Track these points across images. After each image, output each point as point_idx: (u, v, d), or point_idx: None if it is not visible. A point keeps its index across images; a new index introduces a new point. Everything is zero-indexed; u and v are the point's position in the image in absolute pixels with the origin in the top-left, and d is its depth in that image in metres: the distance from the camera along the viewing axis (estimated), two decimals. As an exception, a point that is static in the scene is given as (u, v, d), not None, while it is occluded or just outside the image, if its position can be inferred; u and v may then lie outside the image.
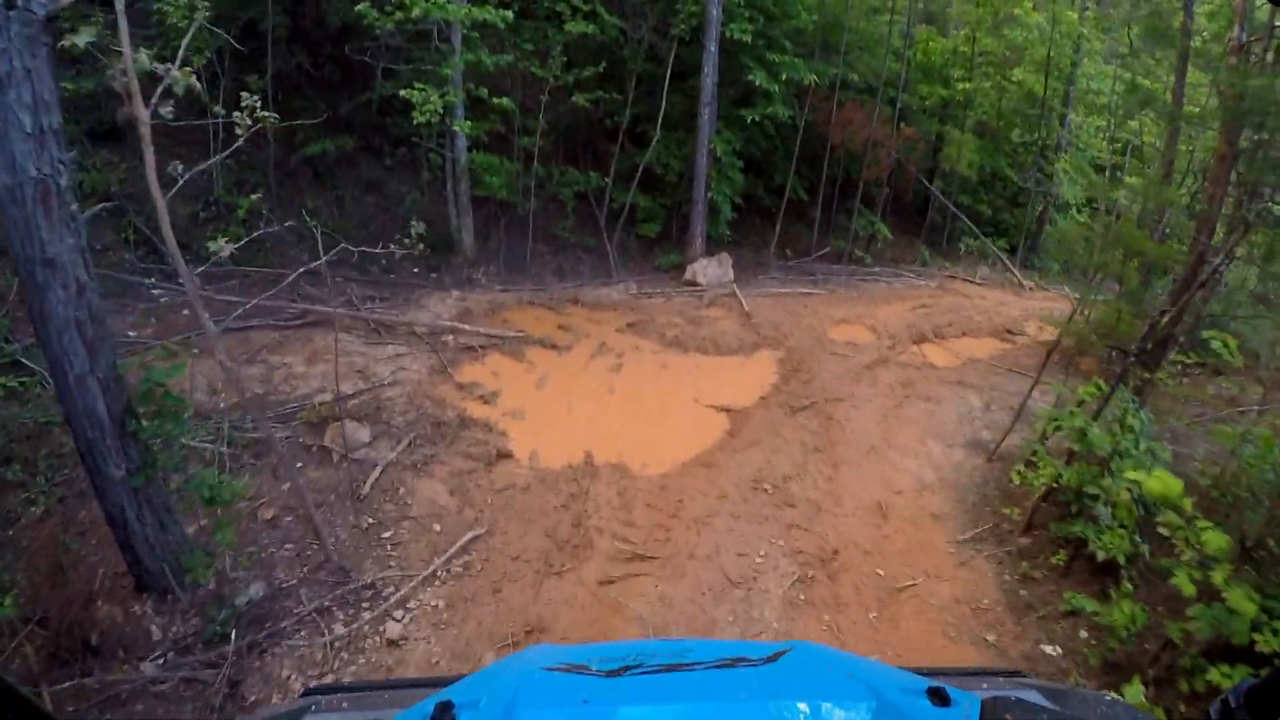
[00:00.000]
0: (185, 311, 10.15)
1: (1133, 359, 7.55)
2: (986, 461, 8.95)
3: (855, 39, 18.56)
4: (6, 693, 0.98)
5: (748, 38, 14.77)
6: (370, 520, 7.09)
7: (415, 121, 11.59)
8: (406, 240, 7.06)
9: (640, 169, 15.92)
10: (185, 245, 6.26)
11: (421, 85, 11.46)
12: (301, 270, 7.57)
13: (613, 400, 10.45)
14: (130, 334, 9.64)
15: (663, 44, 15.67)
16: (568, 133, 16.67)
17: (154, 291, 10.91)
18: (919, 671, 1.53)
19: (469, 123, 12.86)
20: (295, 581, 6.17)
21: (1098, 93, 22.08)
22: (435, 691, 1.37)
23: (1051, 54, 20.36)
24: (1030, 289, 20.61)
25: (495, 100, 12.98)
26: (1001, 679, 1.80)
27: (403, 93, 11.39)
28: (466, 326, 12.05)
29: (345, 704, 1.60)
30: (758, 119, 15.39)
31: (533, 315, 13.33)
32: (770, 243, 17.63)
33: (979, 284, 19.76)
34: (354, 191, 14.63)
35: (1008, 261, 21.13)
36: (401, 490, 7.58)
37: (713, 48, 14.89)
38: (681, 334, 12.74)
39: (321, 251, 6.73)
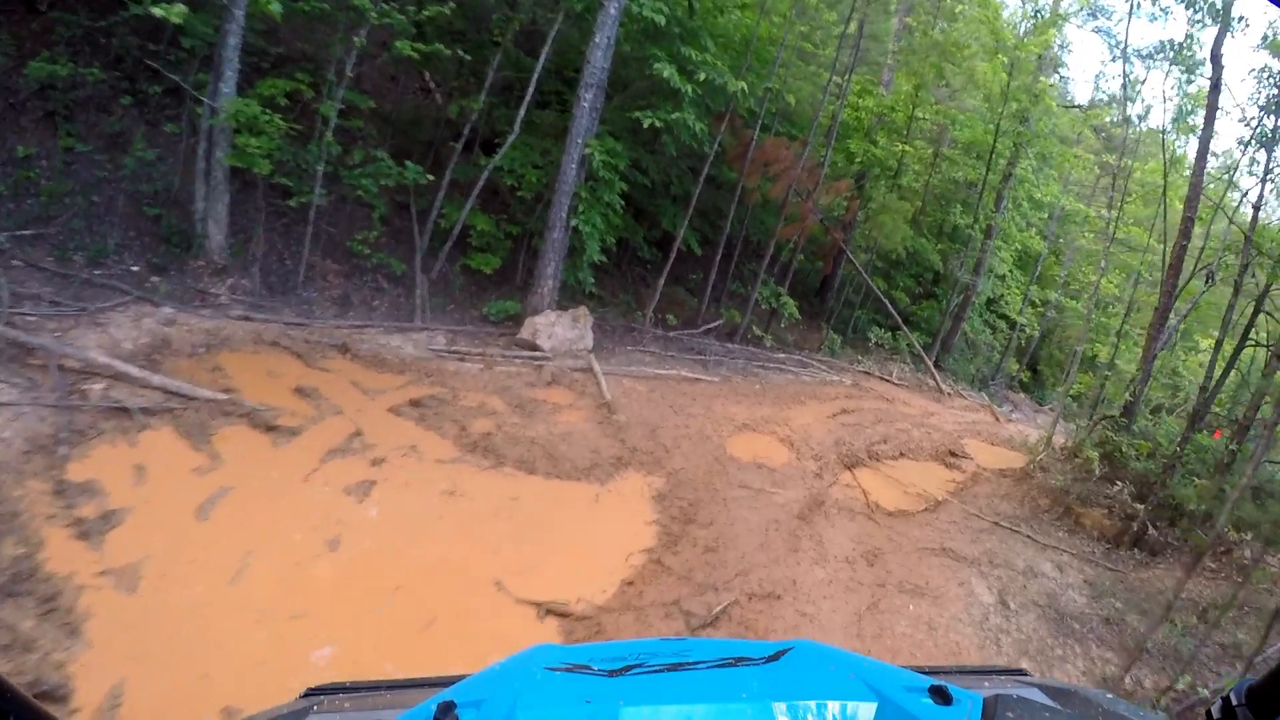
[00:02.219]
0: None
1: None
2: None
3: (795, 63, 14.72)
4: (6, 693, 0.96)
5: (660, 19, 10.44)
6: None
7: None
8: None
9: (484, 178, 11.08)
10: None
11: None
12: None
13: (330, 569, 5.37)
14: None
15: (547, 18, 11.11)
16: (405, 125, 12.27)
17: None
18: (921, 670, 1.52)
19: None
20: None
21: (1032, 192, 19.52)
22: (437, 691, 1.34)
23: (995, 141, 17.46)
24: (949, 394, 17.23)
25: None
26: (1004, 678, 1.81)
27: (156, 10, 7.59)
28: (135, 371, 7.07)
29: (347, 704, 1.57)
30: (659, 124, 10.94)
31: (266, 365, 8.30)
32: (647, 305, 13.08)
33: (896, 384, 16.08)
34: (95, 143, 9.56)
35: (928, 362, 17.62)
36: None
37: (614, 8, 10.41)
38: (498, 431, 7.94)
39: None
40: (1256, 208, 10.29)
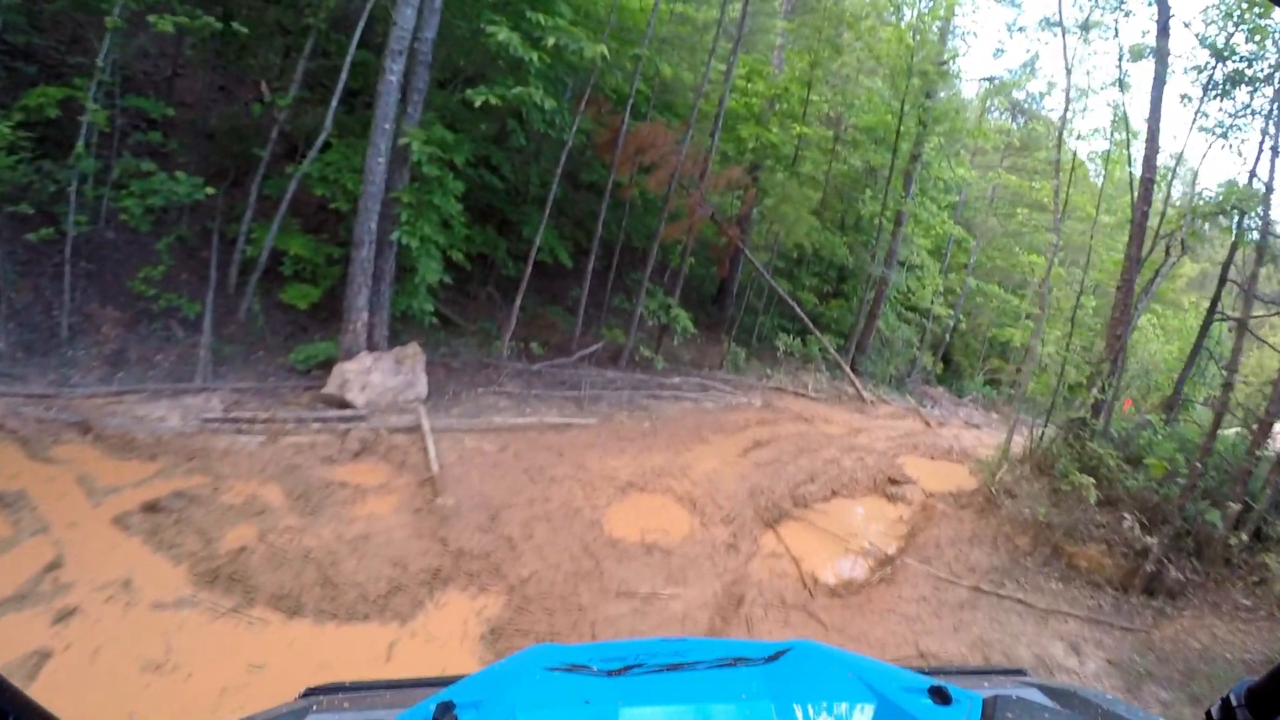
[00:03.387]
0: None
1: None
2: None
3: (674, 37, 12.51)
4: (6, 692, 0.96)
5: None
6: None
7: None
8: None
9: (292, 189, 8.46)
10: None
11: None
12: None
13: None
14: None
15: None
16: (226, 138, 10.28)
17: None
18: (921, 670, 1.49)
19: None
20: None
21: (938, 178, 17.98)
22: (436, 691, 1.32)
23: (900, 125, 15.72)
24: (871, 402, 15.30)
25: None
26: (1003, 678, 1.79)
27: None
28: None
29: (346, 704, 1.56)
30: (496, 102, 8.42)
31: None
32: (505, 333, 10.46)
33: (814, 398, 13.99)
34: None
35: (846, 368, 15.62)
36: None
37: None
38: (259, 543, 5.55)
39: None
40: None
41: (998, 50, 38.37)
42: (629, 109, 10.83)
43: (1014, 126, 24.11)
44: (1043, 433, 11.15)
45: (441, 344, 10.25)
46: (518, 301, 10.00)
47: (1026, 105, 21.41)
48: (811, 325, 15.07)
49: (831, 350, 15.34)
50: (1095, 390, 10.06)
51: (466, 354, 10.20)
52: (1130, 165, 11.04)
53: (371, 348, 8.85)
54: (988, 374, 27.46)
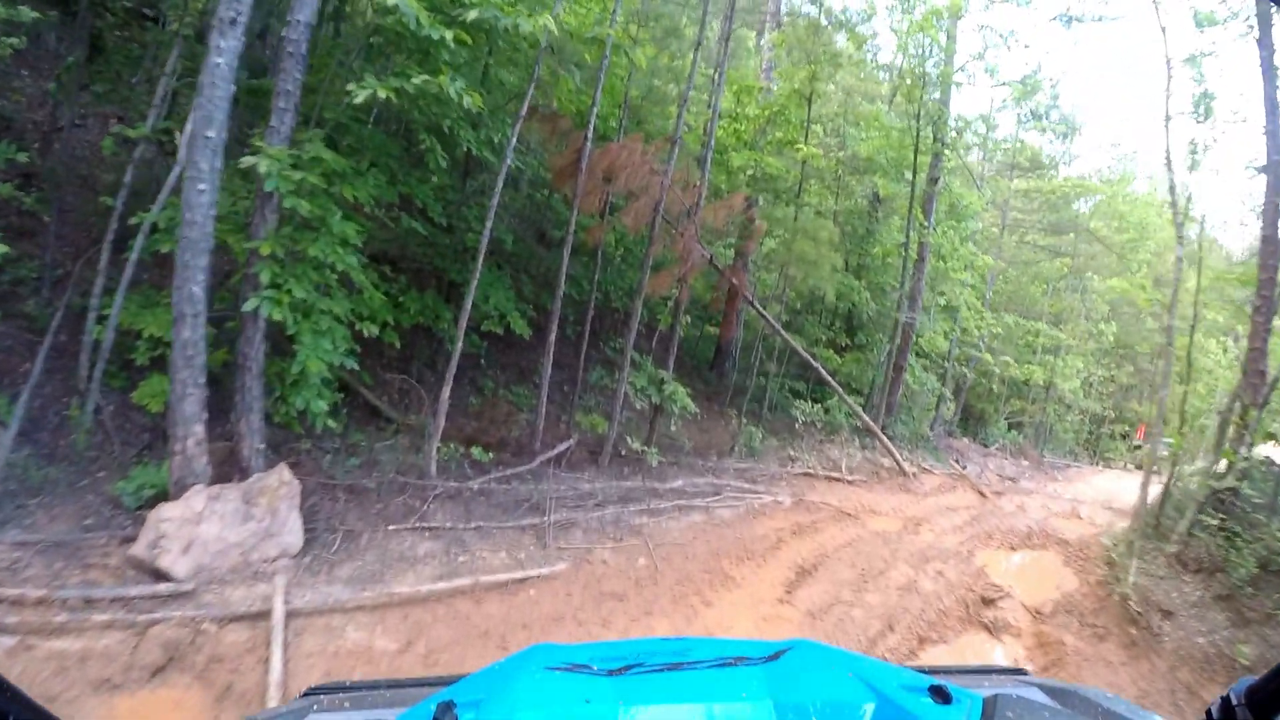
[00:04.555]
0: None
1: None
2: None
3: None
4: (6, 692, 0.95)
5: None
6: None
7: None
8: None
9: (140, 244, 6.02)
10: None
11: None
12: None
13: None
14: None
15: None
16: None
17: None
18: (921, 670, 1.50)
19: None
20: None
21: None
22: (437, 691, 1.33)
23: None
24: (915, 474, 12.51)
25: None
26: (1004, 677, 1.78)
27: None
28: None
29: (347, 703, 1.54)
30: (389, 94, 5.70)
31: None
32: (432, 436, 7.39)
33: (850, 480, 11.16)
34: None
35: (881, 437, 12.78)
36: None
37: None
38: None
39: None
40: None
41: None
42: (592, 121, 8.17)
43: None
44: (1162, 501, 8.52)
45: (361, 452, 7.39)
46: (445, 392, 7.05)
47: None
48: (839, 388, 12.24)
49: (864, 416, 12.50)
50: (1244, 445, 7.60)
51: (391, 465, 7.30)
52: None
53: (239, 472, 5.98)
54: (1009, 417, 25.03)
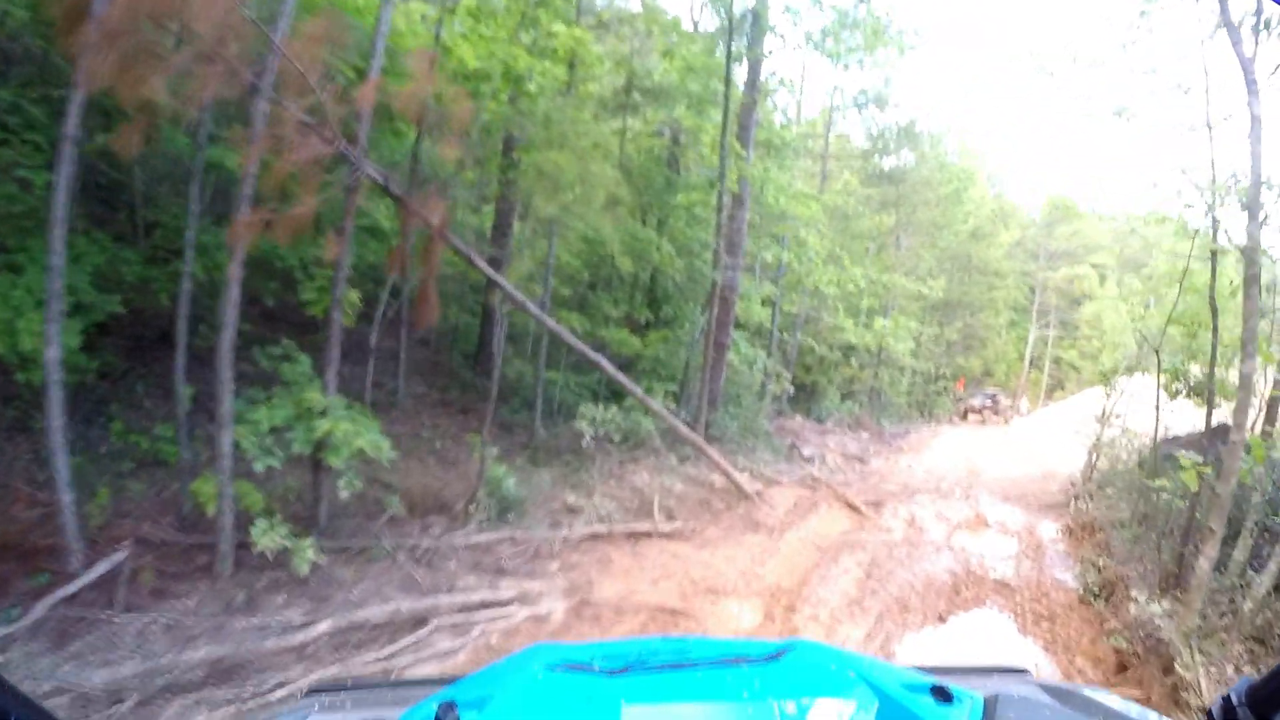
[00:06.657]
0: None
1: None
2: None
3: None
4: (6, 692, 0.93)
5: None
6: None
7: None
8: None
9: None
10: None
11: None
12: None
13: None
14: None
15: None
16: None
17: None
18: (922, 669, 1.47)
19: None
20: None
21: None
22: (438, 690, 1.29)
23: None
24: (759, 491, 8.95)
25: None
26: (1005, 677, 1.70)
27: None
28: None
29: (348, 703, 1.49)
30: None
31: None
32: None
33: (665, 533, 7.27)
34: None
35: (706, 449, 8.97)
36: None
37: None
38: None
39: None
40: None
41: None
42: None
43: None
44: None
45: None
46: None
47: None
48: (637, 389, 8.26)
49: (677, 423, 8.63)
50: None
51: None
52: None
53: None
54: (840, 387, 23.01)
